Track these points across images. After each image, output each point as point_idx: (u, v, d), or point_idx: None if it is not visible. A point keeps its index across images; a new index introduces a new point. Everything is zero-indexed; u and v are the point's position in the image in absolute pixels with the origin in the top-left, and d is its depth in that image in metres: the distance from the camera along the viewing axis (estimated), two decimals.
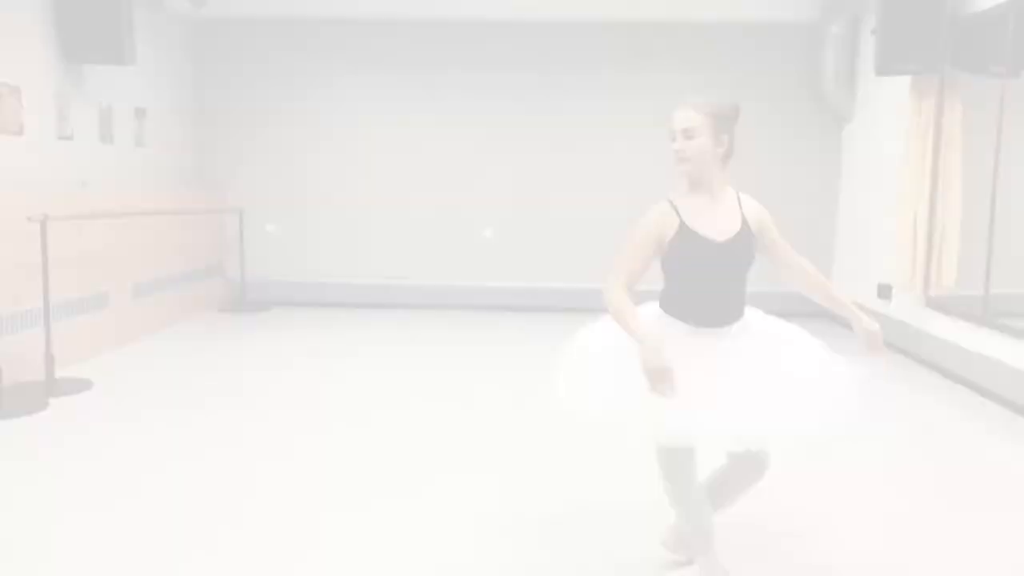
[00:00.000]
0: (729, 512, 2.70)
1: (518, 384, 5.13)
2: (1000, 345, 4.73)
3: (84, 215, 5.36)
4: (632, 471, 3.12)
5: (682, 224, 2.35)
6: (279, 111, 7.70)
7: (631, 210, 2.71)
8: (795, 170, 7.53)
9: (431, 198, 7.75)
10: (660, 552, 2.72)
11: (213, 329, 6.77)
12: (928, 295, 5.59)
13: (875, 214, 6.62)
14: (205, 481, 3.37)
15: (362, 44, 7.61)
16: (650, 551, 2.75)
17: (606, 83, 7.54)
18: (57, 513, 3.08)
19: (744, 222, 2.41)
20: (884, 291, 6.31)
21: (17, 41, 5.09)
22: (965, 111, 5.32)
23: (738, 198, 2.46)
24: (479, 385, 5.14)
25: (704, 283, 2.38)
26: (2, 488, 3.32)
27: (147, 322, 6.32)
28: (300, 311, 7.62)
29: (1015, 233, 5.01)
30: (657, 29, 7.43)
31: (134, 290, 6.13)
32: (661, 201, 2.41)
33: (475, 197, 7.73)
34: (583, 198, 7.60)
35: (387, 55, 7.61)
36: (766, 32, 7.40)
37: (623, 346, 2.24)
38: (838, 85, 7.05)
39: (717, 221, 2.37)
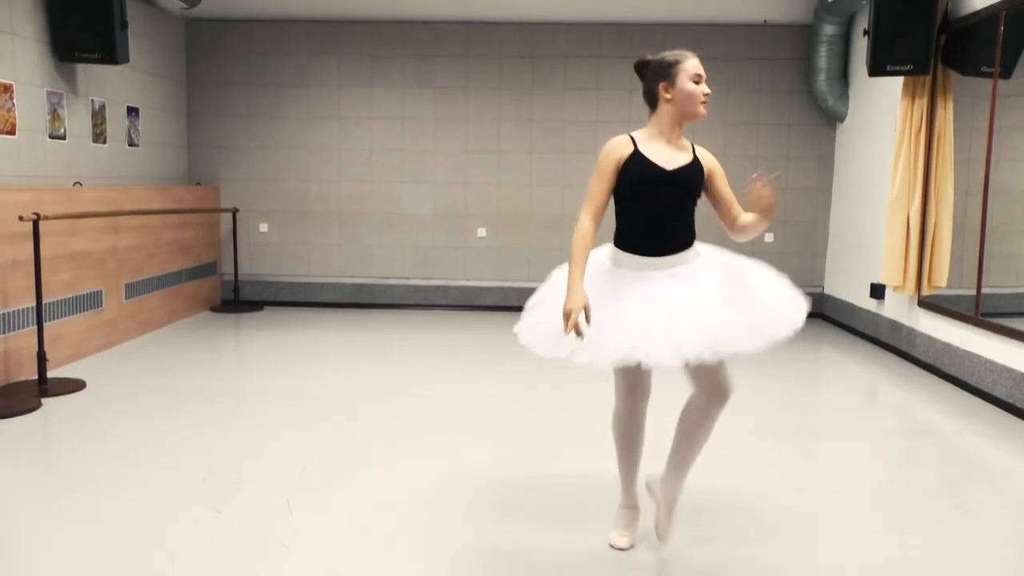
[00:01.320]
0: (722, 513, 2.69)
1: (511, 381, 5.14)
2: (992, 344, 4.76)
3: (77, 214, 5.34)
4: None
5: (635, 151, 2.61)
6: (272, 110, 7.69)
7: None
8: (789, 170, 7.55)
9: (425, 197, 7.75)
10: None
11: (206, 328, 6.76)
12: (920, 295, 5.61)
13: (868, 214, 6.65)
14: (199, 480, 3.36)
15: (356, 43, 7.60)
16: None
17: (602, 82, 7.54)
18: (51, 513, 3.07)
19: (695, 160, 2.64)
20: (877, 291, 6.34)
21: (9, 39, 5.06)
22: (957, 112, 5.34)
23: (693, 146, 2.70)
24: (474, 383, 5.15)
25: (651, 209, 2.59)
26: None
27: (140, 322, 6.30)
28: (293, 311, 7.62)
29: (1006, 233, 5.04)
30: (651, 29, 7.44)
31: (127, 290, 6.11)
32: (621, 136, 2.66)
33: (469, 197, 7.74)
34: (577, 197, 7.61)
35: (381, 54, 7.60)
36: (759, 32, 7.42)
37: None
38: (831, 85, 7.08)
39: (669, 155, 2.62)
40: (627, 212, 2.65)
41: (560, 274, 2.79)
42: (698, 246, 2.67)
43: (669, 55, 2.68)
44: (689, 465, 2.73)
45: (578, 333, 2.37)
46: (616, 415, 2.79)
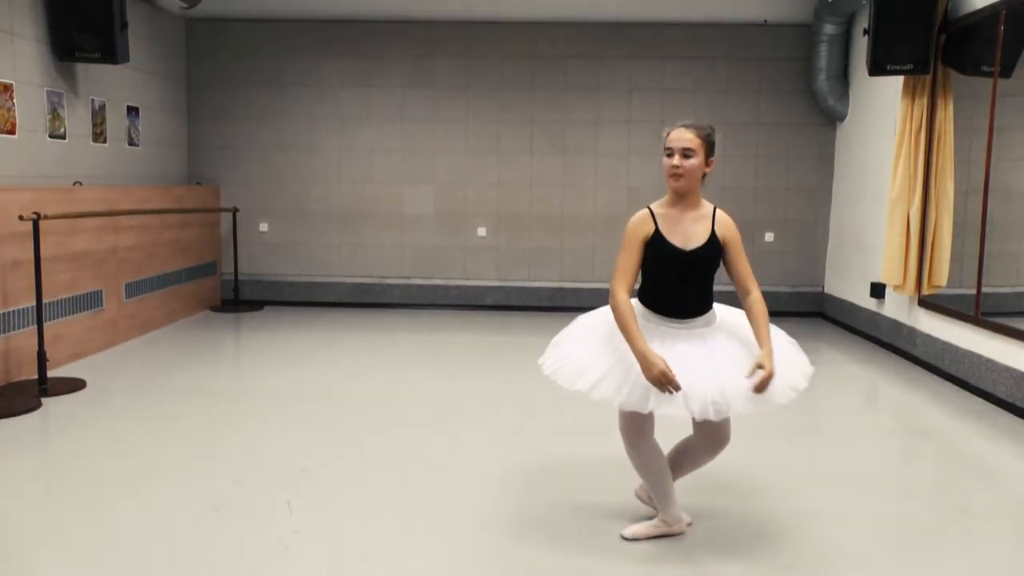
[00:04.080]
0: (723, 512, 2.69)
1: (511, 381, 5.14)
2: (992, 344, 4.76)
3: (77, 214, 5.34)
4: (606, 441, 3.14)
5: (656, 230, 2.73)
6: (272, 110, 7.68)
7: (628, 207, 2.80)
8: (789, 169, 7.55)
9: (425, 197, 7.75)
10: (633, 502, 3.05)
11: (206, 328, 6.76)
12: (920, 294, 5.61)
13: (868, 214, 6.64)
14: (200, 479, 3.36)
15: (356, 43, 7.60)
16: (624, 500, 2.87)
17: (602, 82, 7.54)
18: (51, 513, 3.07)
19: (712, 235, 2.74)
20: (877, 290, 6.34)
21: (9, 39, 5.06)
22: (957, 111, 5.34)
23: (713, 212, 2.79)
24: (474, 383, 5.15)
25: (670, 282, 2.76)
26: None
27: (140, 321, 6.30)
28: (293, 310, 7.62)
29: (1007, 232, 5.04)
30: (652, 29, 7.44)
31: (127, 289, 6.11)
32: (642, 209, 2.78)
33: (469, 197, 7.74)
34: (577, 197, 7.61)
35: (381, 54, 7.60)
36: (759, 32, 7.42)
37: (601, 330, 2.77)
38: (831, 85, 7.08)
39: (687, 232, 2.73)
40: (649, 280, 2.81)
41: (586, 321, 2.93)
42: (717, 308, 2.84)
43: (666, 130, 2.80)
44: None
45: (677, 388, 2.54)
46: (629, 451, 2.87)
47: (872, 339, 6.46)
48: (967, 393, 4.94)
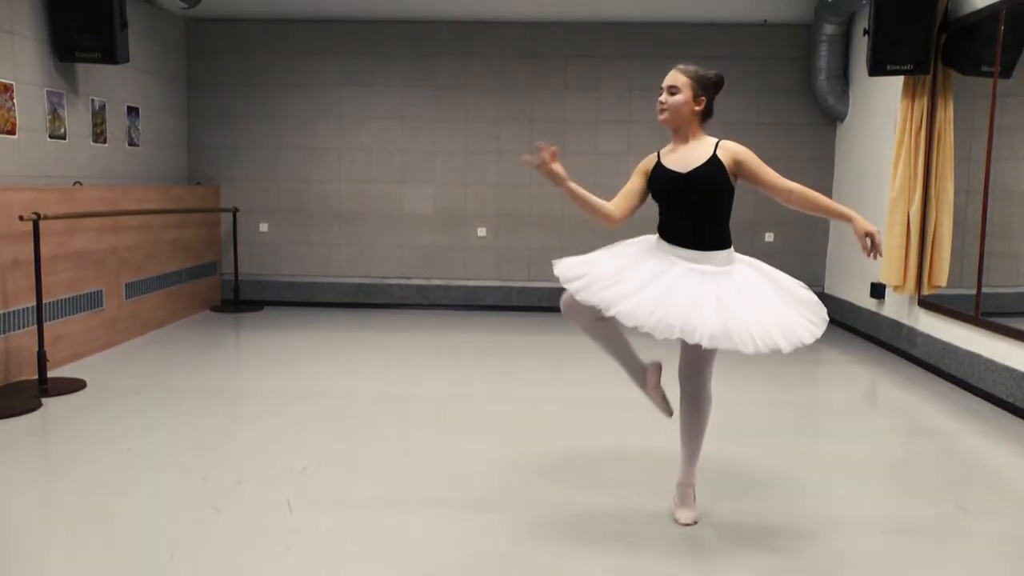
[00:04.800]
0: (723, 512, 2.68)
1: (512, 380, 5.14)
2: (992, 344, 4.76)
3: (77, 214, 5.34)
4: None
5: (658, 162, 2.95)
6: (272, 110, 7.69)
7: None
8: (789, 169, 7.49)
9: (425, 197, 7.75)
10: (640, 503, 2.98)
11: (206, 328, 6.76)
12: (920, 294, 5.61)
13: (868, 214, 6.60)
14: (199, 480, 3.36)
15: (356, 43, 7.60)
16: (628, 495, 2.80)
17: (602, 82, 7.54)
18: (51, 513, 3.07)
19: (713, 159, 2.84)
20: (877, 291, 6.34)
21: (9, 39, 5.06)
22: (957, 111, 5.34)
23: (717, 142, 2.89)
24: (475, 383, 5.15)
25: (672, 209, 2.92)
26: None
27: (140, 321, 6.31)
28: (293, 311, 7.62)
29: (1007, 232, 5.04)
30: (651, 29, 7.44)
31: (127, 289, 6.11)
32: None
33: (469, 197, 7.74)
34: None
35: (380, 54, 7.60)
36: (759, 32, 7.42)
37: (623, 248, 2.95)
38: (831, 85, 7.08)
39: (687, 158, 2.88)
40: (661, 211, 2.97)
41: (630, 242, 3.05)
42: (742, 258, 2.94)
43: None
44: (695, 458, 3.05)
45: (534, 162, 2.82)
46: (588, 333, 3.04)
47: (872, 339, 6.46)
48: (967, 393, 4.94)
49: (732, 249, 2.92)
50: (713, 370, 2.98)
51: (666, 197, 2.91)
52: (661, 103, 2.90)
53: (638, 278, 2.76)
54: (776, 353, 2.66)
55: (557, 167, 2.84)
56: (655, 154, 3.00)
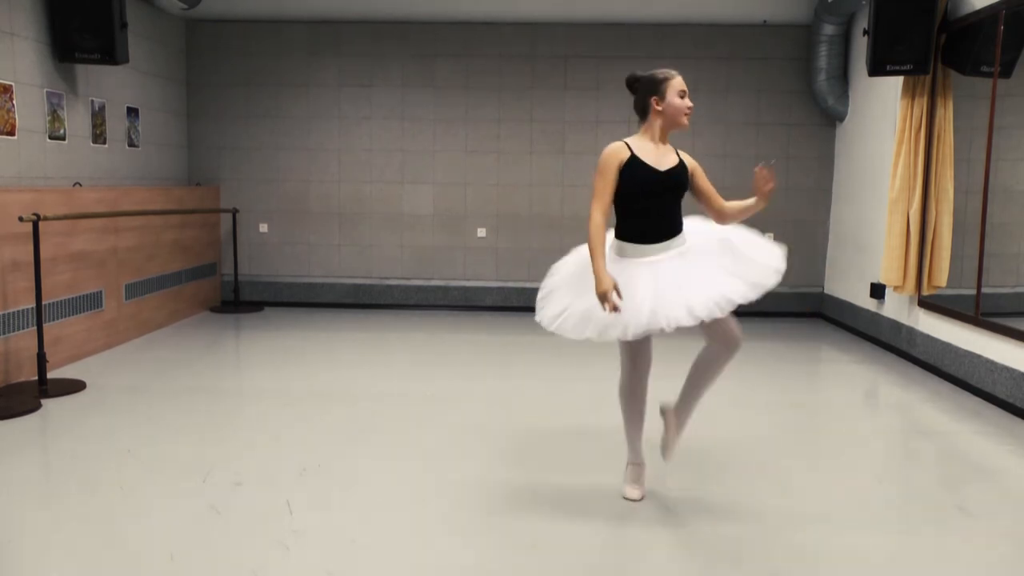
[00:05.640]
0: (722, 513, 2.69)
1: (511, 381, 5.15)
2: (992, 344, 4.76)
3: (77, 215, 5.34)
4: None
5: (632, 155, 3.04)
6: (272, 110, 7.69)
7: None
8: (789, 169, 7.55)
9: (424, 197, 7.75)
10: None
11: (206, 329, 6.76)
12: (920, 295, 5.61)
13: (868, 213, 6.64)
14: (199, 480, 3.36)
15: (356, 43, 7.60)
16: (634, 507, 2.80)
17: (602, 82, 7.54)
18: (51, 514, 3.07)
19: (680, 161, 3.11)
20: (877, 291, 6.34)
21: (9, 40, 5.07)
22: (957, 111, 5.34)
23: (676, 150, 3.15)
24: (474, 383, 5.15)
25: (647, 204, 3.04)
26: None
27: (140, 322, 6.31)
28: (293, 311, 7.62)
29: (1007, 232, 5.03)
30: (651, 29, 7.44)
31: (127, 290, 6.11)
32: (616, 142, 3.08)
33: (469, 197, 7.74)
34: (577, 197, 7.61)
35: (381, 54, 7.60)
36: (759, 32, 7.42)
37: (581, 273, 3.05)
38: (831, 85, 7.08)
39: (659, 158, 3.07)
40: (628, 208, 3.07)
41: (559, 268, 3.27)
42: (684, 223, 3.14)
43: (659, 72, 3.10)
44: (697, 400, 3.21)
45: (616, 309, 2.80)
46: (622, 385, 3.20)
47: (872, 339, 6.46)
48: (967, 393, 4.94)
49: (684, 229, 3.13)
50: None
51: (639, 192, 3.03)
52: (691, 108, 3.11)
53: (645, 291, 2.90)
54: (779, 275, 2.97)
55: (611, 289, 2.84)
56: (622, 144, 3.07)
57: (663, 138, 3.10)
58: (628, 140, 3.09)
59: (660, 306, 2.83)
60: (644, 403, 3.19)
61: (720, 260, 3.00)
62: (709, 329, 3.01)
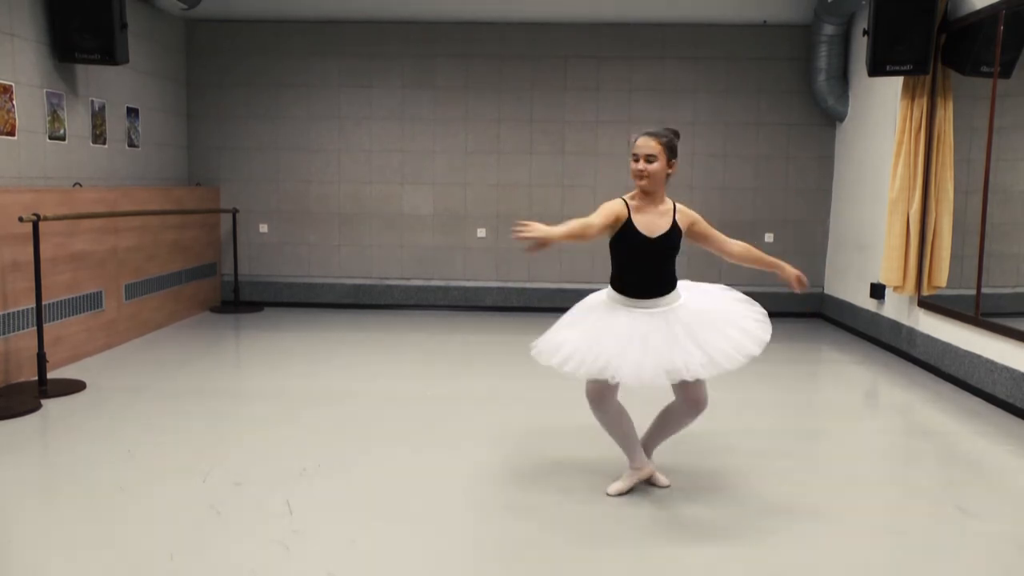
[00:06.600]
0: (723, 513, 2.68)
1: (511, 381, 5.14)
2: (992, 344, 4.76)
3: (76, 215, 5.34)
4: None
5: (629, 219, 3.13)
6: (272, 110, 7.69)
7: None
8: (789, 169, 7.55)
9: (424, 197, 7.75)
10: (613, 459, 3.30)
11: (206, 329, 6.76)
12: (920, 295, 5.61)
13: (868, 214, 6.64)
14: (199, 480, 3.36)
15: (356, 43, 7.60)
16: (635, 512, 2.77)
17: (602, 83, 7.54)
18: (51, 515, 3.07)
19: (674, 225, 3.16)
20: (877, 291, 6.34)
21: (9, 40, 5.06)
22: (957, 111, 5.34)
23: (674, 207, 3.19)
24: (474, 383, 5.15)
25: (637, 267, 3.16)
26: None
27: (140, 322, 6.31)
28: (293, 311, 7.62)
29: (1007, 233, 5.03)
30: (651, 29, 7.44)
31: (127, 290, 6.11)
32: (618, 198, 3.16)
33: (469, 197, 7.74)
34: (577, 197, 7.61)
35: (381, 54, 7.60)
36: (759, 32, 7.42)
37: (581, 317, 3.21)
38: (831, 85, 7.08)
39: (653, 223, 3.14)
40: (619, 264, 3.21)
41: (578, 304, 3.33)
42: (681, 286, 3.22)
43: (633, 136, 3.20)
44: (660, 442, 3.41)
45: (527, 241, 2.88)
46: (595, 413, 3.25)
47: (872, 340, 6.46)
48: (967, 393, 4.94)
49: (677, 287, 3.21)
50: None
51: (631, 255, 3.15)
52: (641, 171, 3.11)
53: (616, 340, 3.04)
54: (750, 358, 3.06)
55: (540, 234, 2.86)
56: (623, 205, 3.14)
57: (651, 199, 3.15)
58: (627, 199, 3.16)
59: (616, 358, 2.99)
60: (622, 413, 3.24)
61: (694, 330, 3.07)
62: (677, 386, 3.17)
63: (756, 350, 3.09)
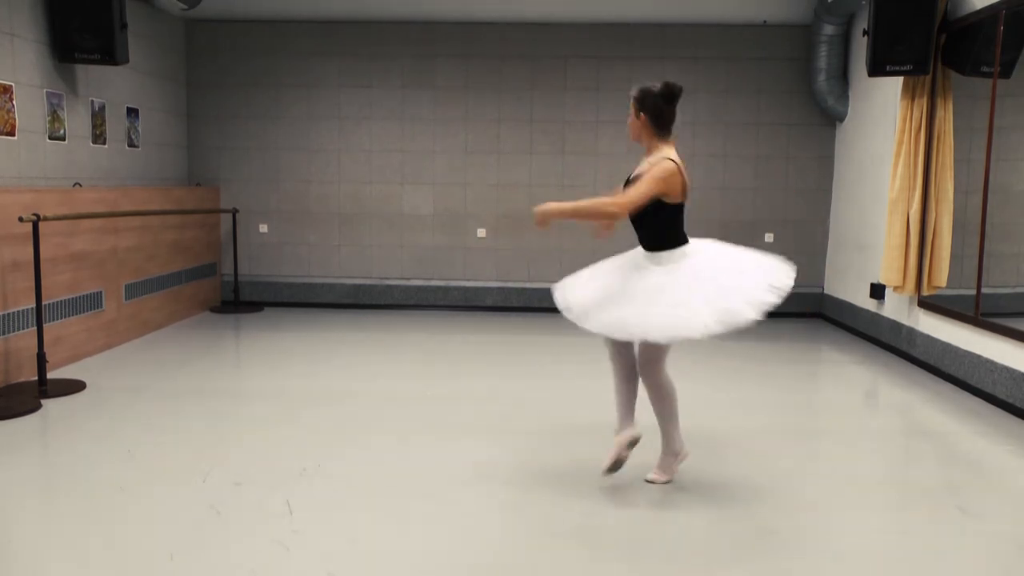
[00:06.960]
0: (722, 513, 2.68)
1: (511, 381, 5.15)
2: (992, 344, 4.76)
3: (76, 215, 5.34)
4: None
5: None
6: (272, 110, 7.69)
7: None
8: (789, 169, 7.55)
9: (424, 197, 7.75)
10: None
11: (206, 329, 6.76)
12: (920, 295, 5.61)
13: (868, 214, 6.64)
14: (199, 480, 3.36)
15: (356, 43, 7.60)
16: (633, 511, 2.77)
17: (602, 82, 7.54)
18: (51, 515, 3.07)
19: (638, 173, 3.23)
20: (877, 291, 6.34)
21: (9, 40, 5.06)
22: (957, 111, 5.34)
23: (660, 160, 3.17)
24: (474, 383, 5.15)
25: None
26: None
27: (140, 322, 6.30)
28: (293, 311, 7.62)
29: (1007, 233, 5.03)
30: (651, 29, 7.44)
31: (127, 290, 6.11)
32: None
33: (469, 197, 7.74)
34: (577, 197, 7.60)
35: (381, 54, 7.60)
36: (759, 32, 7.42)
37: (601, 273, 3.35)
38: (831, 85, 7.08)
39: (633, 170, 3.29)
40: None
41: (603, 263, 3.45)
42: (690, 245, 3.23)
43: None
44: (667, 430, 3.35)
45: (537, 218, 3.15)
46: (654, 380, 3.29)
47: (872, 340, 6.46)
48: (967, 393, 4.94)
49: (679, 250, 3.19)
50: (663, 363, 3.25)
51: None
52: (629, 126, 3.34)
53: (604, 287, 3.21)
54: (718, 334, 2.96)
55: (551, 212, 3.15)
56: None
57: (646, 151, 3.29)
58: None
59: (594, 306, 3.15)
60: (623, 373, 3.36)
61: (666, 293, 3.08)
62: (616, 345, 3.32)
63: (716, 327, 2.94)
